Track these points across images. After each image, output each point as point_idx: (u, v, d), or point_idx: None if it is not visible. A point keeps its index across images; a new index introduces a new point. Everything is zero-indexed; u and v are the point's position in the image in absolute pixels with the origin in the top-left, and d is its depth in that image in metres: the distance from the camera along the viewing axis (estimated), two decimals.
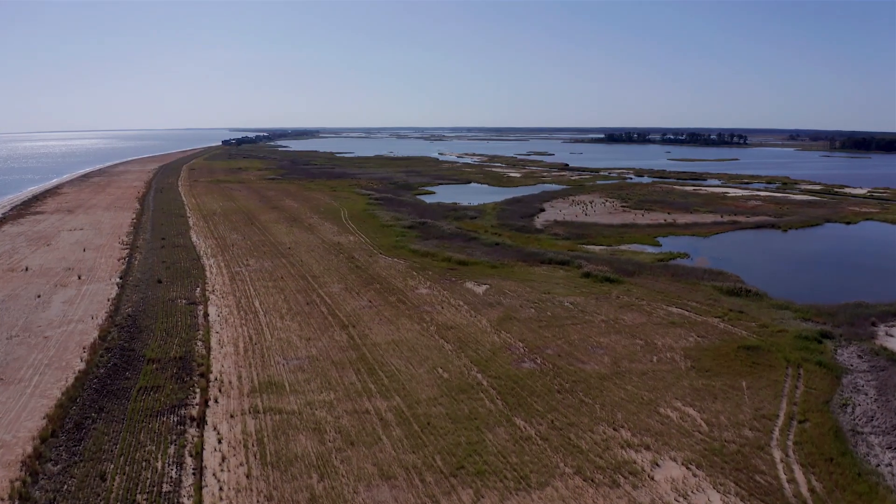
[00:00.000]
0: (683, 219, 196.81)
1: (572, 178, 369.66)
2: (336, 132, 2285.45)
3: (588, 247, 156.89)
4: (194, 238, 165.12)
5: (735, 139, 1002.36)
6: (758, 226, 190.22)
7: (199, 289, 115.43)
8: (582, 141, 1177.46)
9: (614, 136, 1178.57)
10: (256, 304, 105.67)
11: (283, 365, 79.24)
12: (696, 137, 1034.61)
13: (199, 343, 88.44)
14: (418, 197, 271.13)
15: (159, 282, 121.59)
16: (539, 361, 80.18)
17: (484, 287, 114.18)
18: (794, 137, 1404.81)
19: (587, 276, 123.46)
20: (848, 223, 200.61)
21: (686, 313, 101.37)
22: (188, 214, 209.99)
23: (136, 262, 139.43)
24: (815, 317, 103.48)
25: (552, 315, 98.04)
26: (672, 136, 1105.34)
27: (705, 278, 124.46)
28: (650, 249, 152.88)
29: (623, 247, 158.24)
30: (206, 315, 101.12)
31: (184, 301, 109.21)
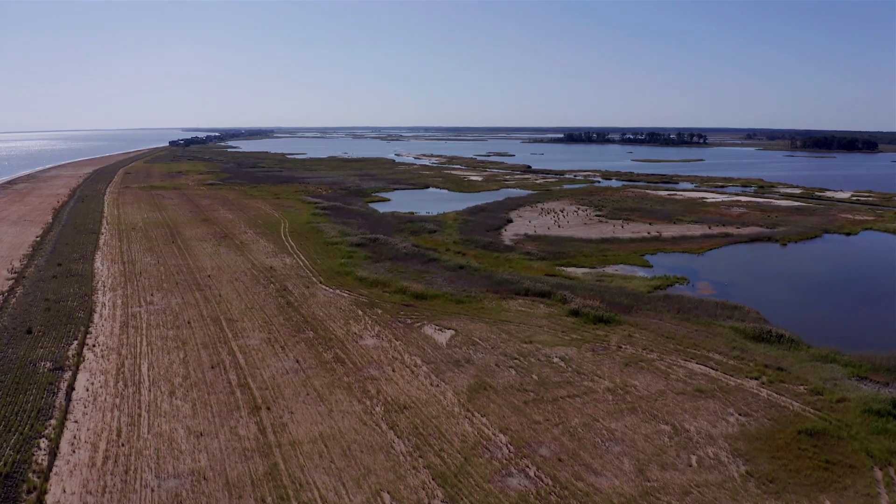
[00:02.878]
0: (669, 231, 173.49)
1: (537, 181, 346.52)
2: (291, 132, 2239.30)
3: (568, 269, 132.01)
4: (98, 263, 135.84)
5: (695, 139, 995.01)
6: (752, 239, 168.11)
7: (76, 342, 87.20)
8: (541, 141, 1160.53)
9: (574, 136, 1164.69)
10: (144, 368, 77.79)
11: (153, 491, 51.85)
12: (655, 137, 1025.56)
13: (44, 444, 60.57)
14: (371, 205, 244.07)
15: (29, 332, 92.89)
16: (532, 473, 54.21)
17: (448, 333, 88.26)
18: (751, 136, 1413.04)
19: (575, 314, 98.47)
20: (848, 234, 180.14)
21: (712, 373, 76.76)
22: (103, 230, 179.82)
23: (14, 301, 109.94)
24: (870, 373, 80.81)
25: (539, 379, 72.38)
26: (631, 136, 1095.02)
27: (719, 315, 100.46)
28: (641, 272, 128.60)
29: (609, 269, 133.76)
30: (70, 389, 73.14)
31: (49, 365, 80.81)
